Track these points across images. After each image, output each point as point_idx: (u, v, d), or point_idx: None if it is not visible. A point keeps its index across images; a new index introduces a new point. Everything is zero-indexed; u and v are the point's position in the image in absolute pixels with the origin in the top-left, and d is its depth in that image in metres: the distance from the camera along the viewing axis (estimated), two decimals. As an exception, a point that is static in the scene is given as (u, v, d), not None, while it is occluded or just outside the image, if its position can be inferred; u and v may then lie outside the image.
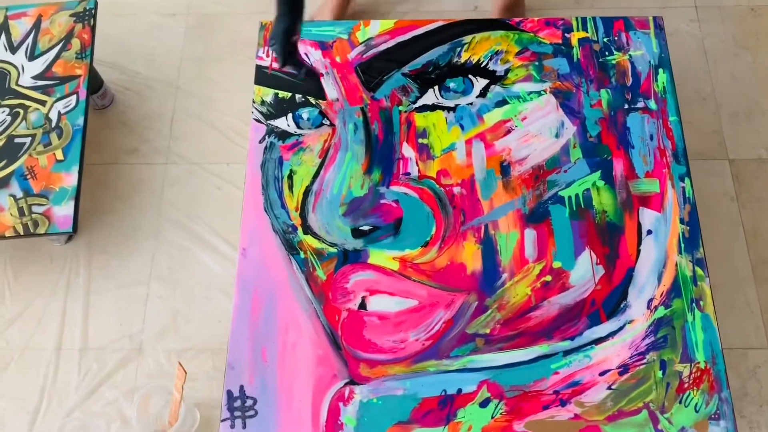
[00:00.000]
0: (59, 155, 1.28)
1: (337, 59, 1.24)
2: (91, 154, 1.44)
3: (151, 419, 1.18)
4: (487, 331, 1.04)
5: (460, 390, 1.01)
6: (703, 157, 1.41)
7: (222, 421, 1.01)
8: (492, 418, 0.99)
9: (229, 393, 1.03)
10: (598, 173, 1.14)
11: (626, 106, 1.19)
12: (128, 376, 1.26)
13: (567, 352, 1.02)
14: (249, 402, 1.02)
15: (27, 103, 1.32)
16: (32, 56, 1.36)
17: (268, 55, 1.26)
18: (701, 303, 1.05)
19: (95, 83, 1.45)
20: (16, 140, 1.29)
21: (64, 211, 1.23)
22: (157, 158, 1.45)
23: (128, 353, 1.28)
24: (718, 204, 1.36)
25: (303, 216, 1.13)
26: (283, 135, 1.19)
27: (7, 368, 1.28)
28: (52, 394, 1.25)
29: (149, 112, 1.50)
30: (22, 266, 1.37)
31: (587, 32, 1.24)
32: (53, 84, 1.34)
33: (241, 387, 1.03)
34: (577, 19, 1.25)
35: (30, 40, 1.37)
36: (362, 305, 1.07)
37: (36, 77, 1.34)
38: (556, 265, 1.08)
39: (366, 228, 1.12)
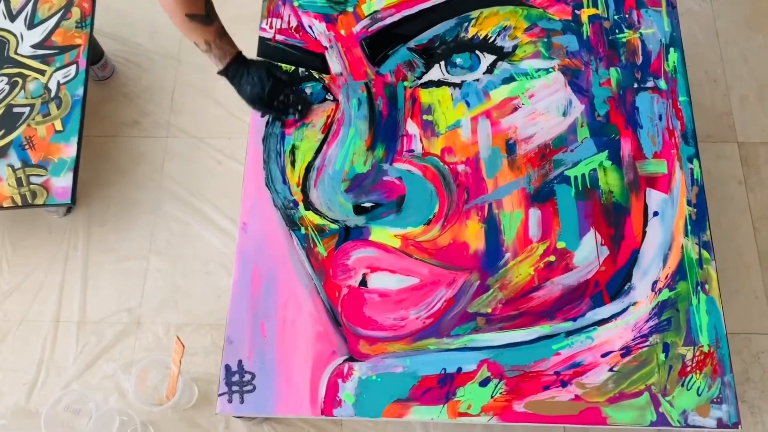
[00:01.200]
0: (58, 126, 1.26)
1: (342, 32, 1.22)
2: (91, 126, 1.42)
3: (149, 393, 1.18)
4: (489, 310, 1.03)
5: (460, 369, 1.00)
6: (712, 140, 1.38)
7: (219, 395, 1.00)
8: (492, 397, 0.98)
9: (227, 367, 1.02)
10: (605, 153, 1.12)
11: (635, 86, 1.16)
12: (126, 349, 1.26)
13: (569, 333, 1.01)
14: (247, 377, 1.01)
15: (26, 72, 1.30)
16: (31, 24, 1.34)
17: (271, 27, 1.24)
18: (706, 286, 1.03)
19: (96, 54, 1.43)
20: (15, 110, 1.27)
21: (62, 182, 1.22)
22: (157, 131, 1.43)
23: (126, 327, 1.27)
24: (726, 187, 1.34)
25: (304, 192, 1.12)
26: (286, 109, 1.17)
27: (4, 340, 1.27)
28: (49, 367, 1.25)
29: (150, 85, 1.48)
30: (21, 238, 1.35)
31: (598, 9, 1.21)
32: (53, 53, 1.31)
33: (240, 362, 1.02)
34: (587, -5, 1.22)
35: (29, 7, 1.35)
36: (363, 282, 1.06)
37: (35, 46, 1.32)
38: (560, 245, 1.06)
39: (368, 205, 1.10)
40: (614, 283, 1.04)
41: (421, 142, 1.14)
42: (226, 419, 1.20)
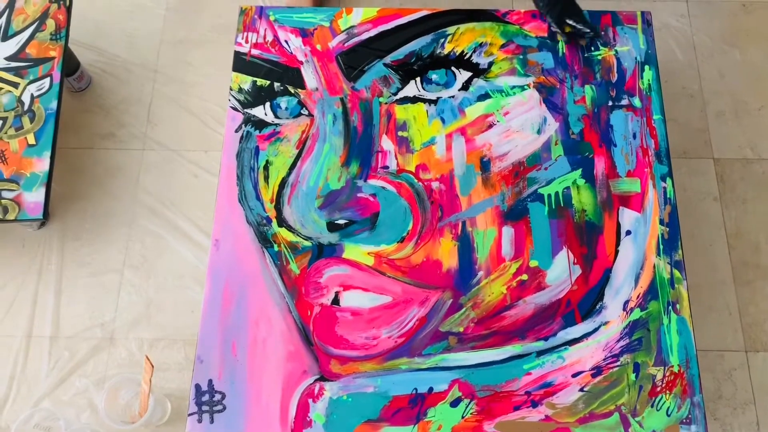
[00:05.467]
0: (31, 140, 1.25)
1: (318, 47, 1.22)
2: (67, 138, 1.41)
3: (121, 410, 1.17)
4: (461, 329, 1.03)
5: (431, 389, 1.00)
6: (688, 156, 1.39)
7: (189, 415, 1.00)
8: (462, 417, 0.98)
9: (198, 387, 1.01)
10: (579, 171, 1.12)
11: (610, 103, 1.17)
12: (99, 365, 1.25)
13: (540, 353, 1.01)
14: (217, 396, 1.01)
15: (-1, 84, 1.29)
16: (5, 36, 1.32)
17: (247, 41, 1.23)
18: (677, 306, 1.04)
19: (72, 65, 1.42)
20: (-12, 122, 1.26)
21: (34, 197, 1.21)
22: (133, 144, 1.42)
23: (100, 342, 1.26)
24: (701, 203, 1.35)
25: (278, 208, 1.11)
26: (260, 124, 1.17)
27: (-24, 354, 1.26)
28: (21, 382, 1.24)
29: (127, 97, 1.47)
30: (-6, 251, 1.34)
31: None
32: (26, 66, 1.30)
33: (210, 381, 1.01)
34: (563, 12, 1.22)
35: (3, 19, 1.33)
36: (335, 300, 1.05)
37: (9, 58, 1.31)
38: (533, 264, 1.06)
39: (342, 222, 1.10)
40: (586, 302, 1.04)
41: (396, 158, 1.14)
42: (199, 436, 1.19)
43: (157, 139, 1.42)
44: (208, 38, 1.52)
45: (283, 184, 1.13)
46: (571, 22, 1.17)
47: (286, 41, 1.22)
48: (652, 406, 0.98)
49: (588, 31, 1.17)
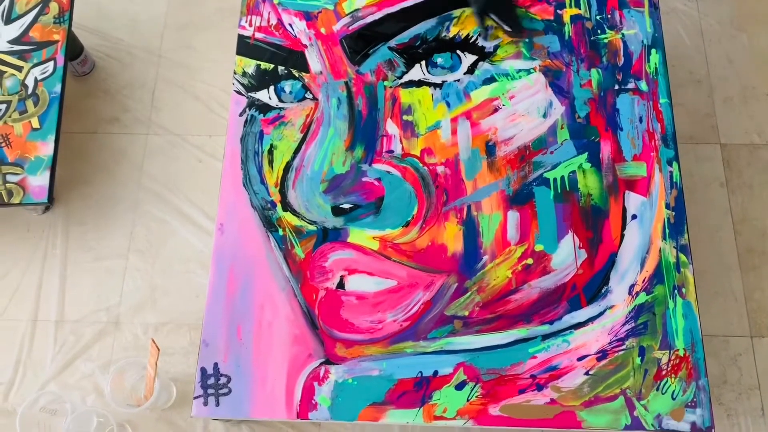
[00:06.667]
0: (35, 123, 1.24)
1: (322, 31, 1.21)
2: (71, 123, 1.40)
3: (126, 393, 1.17)
4: (466, 313, 1.03)
5: (436, 372, 1.00)
6: (695, 141, 1.38)
7: (195, 398, 1.00)
8: (467, 400, 0.98)
9: (203, 370, 1.01)
10: (585, 155, 1.11)
11: (616, 87, 1.16)
12: (105, 349, 1.25)
13: (545, 337, 1.01)
14: (223, 380, 1.01)
15: (2, 68, 1.28)
16: (8, 20, 1.32)
17: (251, 25, 1.22)
18: (683, 290, 1.03)
19: (75, 49, 1.41)
20: (-9, 107, 1.26)
21: (39, 181, 1.21)
22: (138, 128, 1.42)
23: (105, 326, 1.26)
24: (708, 189, 1.34)
25: (282, 192, 1.11)
26: (265, 108, 1.16)
27: (-19, 339, 1.27)
28: (27, 366, 1.24)
29: (131, 81, 1.46)
30: (-1, 235, 1.34)
31: (580, 9, 1.21)
32: (30, 49, 1.30)
33: (215, 364, 1.02)
34: (570, -5, 1.21)
35: (6, 3, 1.33)
36: (340, 284, 1.05)
37: (12, 42, 1.30)
38: (539, 248, 1.06)
39: (347, 206, 1.09)
40: (592, 286, 1.04)
41: (401, 142, 1.13)
42: (204, 420, 1.20)
43: (162, 124, 1.42)
44: (212, 22, 1.52)
45: (287, 169, 1.13)
46: (494, 17, 1.16)
47: (290, 24, 1.22)
48: (657, 390, 0.98)
49: (508, 30, 1.16)
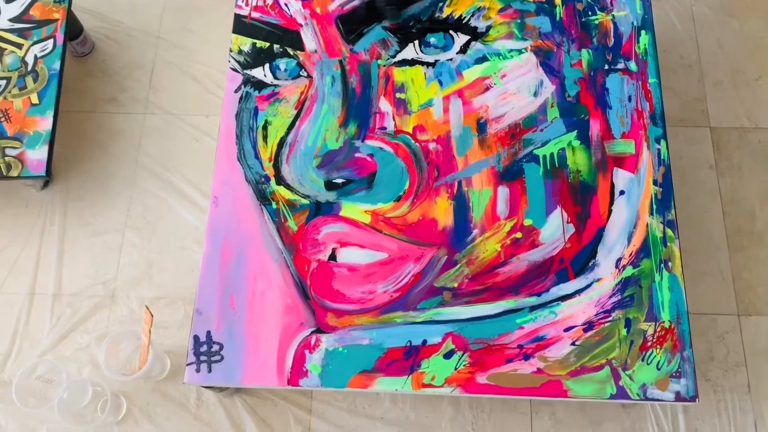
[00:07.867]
0: (34, 99, 1.26)
1: (317, 10, 1.23)
2: (69, 102, 1.42)
3: (121, 364, 1.19)
4: (455, 285, 1.05)
5: (425, 341, 1.02)
6: (685, 124, 1.40)
7: (188, 365, 1.02)
8: (455, 369, 1.00)
9: (196, 338, 1.03)
10: (574, 133, 1.13)
11: (606, 67, 1.18)
12: (101, 322, 1.27)
13: (533, 308, 1.03)
14: (215, 347, 1.03)
15: (3, 45, 1.30)
16: (9, -2, 1.34)
17: (247, 4, 1.24)
18: (670, 264, 1.05)
19: (75, 29, 1.43)
20: (-9, 83, 1.28)
21: (37, 155, 1.23)
22: (135, 108, 1.44)
23: (101, 300, 1.28)
24: (697, 171, 1.36)
25: (276, 167, 1.13)
26: (260, 85, 1.18)
27: (-20, 312, 1.28)
28: (24, 338, 1.26)
29: (129, 62, 1.48)
30: (-3, 211, 1.36)
31: (571, -9, 1.22)
32: (30, 27, 1.31)
33: (208, 332, 1.03)
34: (562, -23, 1.23)
35: (7, -19, 1.35)
36: (332, 257, 1.07)
37: (13, 20, 1.32)
38: (527, 222, 1.08)
39: (339, 181, 1.11)
40: (579, 259, 1.06)
41: (394, 119, 1.15)
42: (197, 391, 1.21)
43: (159, 104, 1.44)
44: (210, 5, 1.54)
45: (281, 144, 1.14)
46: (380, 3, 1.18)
47: (285, 4, 1.24)
48: (642, 360, 1.00)
49: (387, 15, 1.19)
